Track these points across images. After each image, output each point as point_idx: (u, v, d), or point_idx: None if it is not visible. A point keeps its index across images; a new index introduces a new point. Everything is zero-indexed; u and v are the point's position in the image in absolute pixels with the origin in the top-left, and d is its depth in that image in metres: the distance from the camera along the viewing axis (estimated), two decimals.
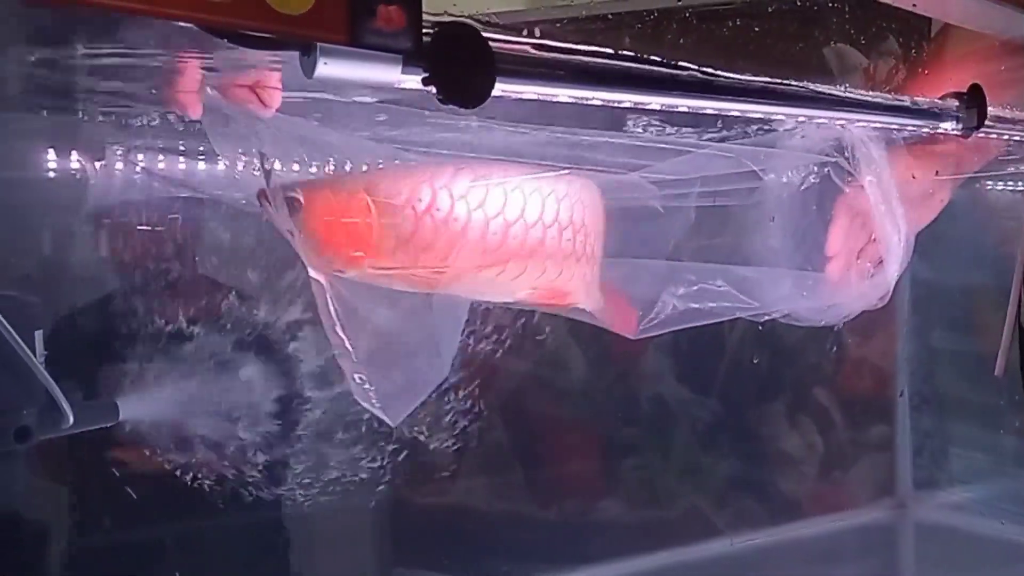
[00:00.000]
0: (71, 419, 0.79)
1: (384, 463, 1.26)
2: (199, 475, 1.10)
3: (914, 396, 1.92)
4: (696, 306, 0.86)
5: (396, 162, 0.72)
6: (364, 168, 0.72)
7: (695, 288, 0.87)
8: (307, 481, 1.12)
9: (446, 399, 1.28)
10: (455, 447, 2.12)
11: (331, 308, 0.67)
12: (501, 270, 0.73)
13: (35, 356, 0.78)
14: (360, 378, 0.70)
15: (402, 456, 1.21)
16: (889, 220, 0.93)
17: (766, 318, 0.92)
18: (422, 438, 1.25)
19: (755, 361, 1.76)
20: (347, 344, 0.68)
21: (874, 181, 0.89)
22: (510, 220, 0.72)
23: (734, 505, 2.03)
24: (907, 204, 0.94)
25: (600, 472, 2.21)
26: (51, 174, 1.28)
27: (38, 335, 0.79)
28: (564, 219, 0.76)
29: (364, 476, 1.30)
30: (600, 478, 2.20)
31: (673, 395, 2.14)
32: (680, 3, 1.17)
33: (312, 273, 0.68)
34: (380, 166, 0.73)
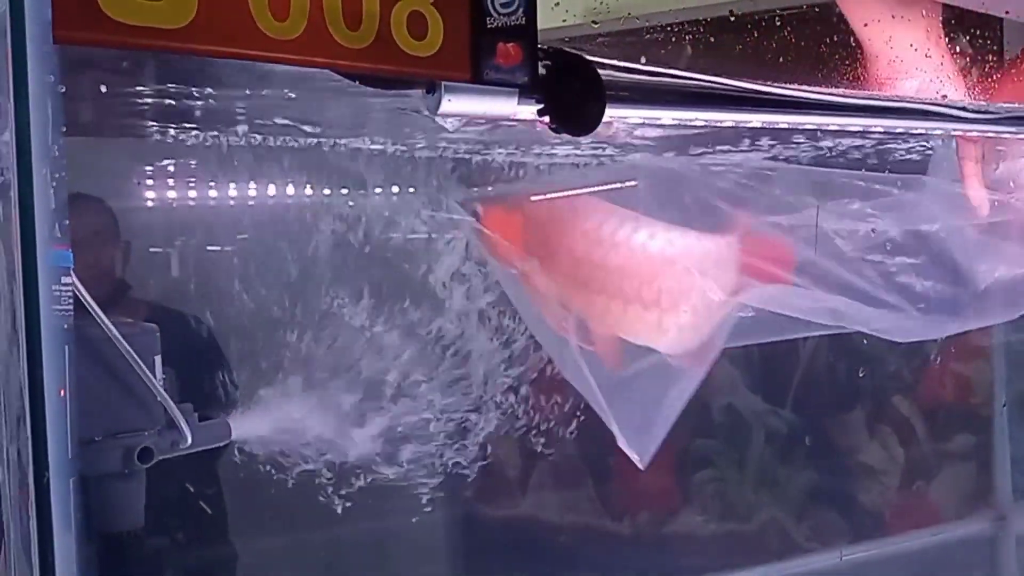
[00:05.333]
0: (189, 439, 0.83)
1: (458, 477, 1.28)
2: (276, 491, 1.14)
3: (1011, 404, 1.89)
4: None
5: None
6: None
7: None
8: (381, 496, 1.15)
9: (518, 412, 1.30)
10: (527, 460, 2.13)
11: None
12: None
13: (155, 380, 0.82)
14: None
15: (476, 470, 1.23)
16: None
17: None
18: (495, 451, 1.27)
19: (861, 375, 1.74)
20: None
21: None
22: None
23: (822, 518, 2.00)
24: None
25: (673, 485, 2.20)
26: (160, 202, 1.34)
27: (157, 359, 0.83)
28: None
29: (438, 490, 1.32)
30: (673, 491, 2.19)
31: (746, 405, 2.12)
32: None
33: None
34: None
